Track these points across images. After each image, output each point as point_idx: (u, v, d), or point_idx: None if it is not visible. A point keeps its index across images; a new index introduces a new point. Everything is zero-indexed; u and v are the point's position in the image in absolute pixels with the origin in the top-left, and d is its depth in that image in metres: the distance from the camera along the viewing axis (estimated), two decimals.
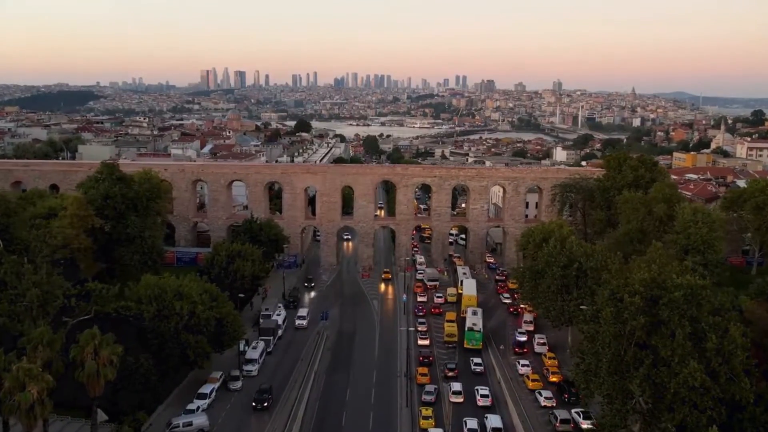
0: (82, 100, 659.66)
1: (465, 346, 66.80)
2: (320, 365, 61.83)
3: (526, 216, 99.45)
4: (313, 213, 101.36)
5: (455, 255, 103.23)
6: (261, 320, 69.44)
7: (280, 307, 75.31)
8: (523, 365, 60.93)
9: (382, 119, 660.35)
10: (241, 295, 67.12)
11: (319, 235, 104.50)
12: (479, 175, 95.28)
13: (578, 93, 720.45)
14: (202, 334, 52.74)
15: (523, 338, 68.41)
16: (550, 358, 62.63)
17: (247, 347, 62.36)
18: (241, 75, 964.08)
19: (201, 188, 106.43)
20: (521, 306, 78.18)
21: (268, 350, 63.52)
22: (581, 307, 58.76)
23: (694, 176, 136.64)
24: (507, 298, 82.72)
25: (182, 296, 53.10)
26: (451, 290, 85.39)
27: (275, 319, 68.48)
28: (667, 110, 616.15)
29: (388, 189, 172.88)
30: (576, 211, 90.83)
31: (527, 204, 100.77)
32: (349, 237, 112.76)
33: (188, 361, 52.43)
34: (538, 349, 65.89)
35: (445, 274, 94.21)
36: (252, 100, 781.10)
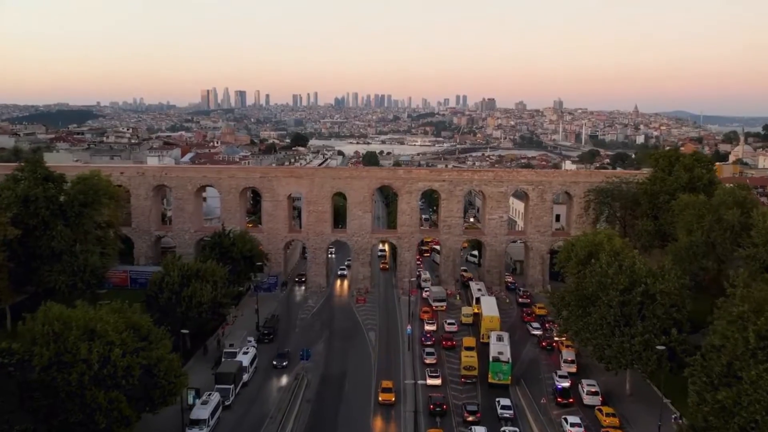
0: (81, 120, 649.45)
1: (489, 381, 52.18)
2: (296, 426, 45.43)
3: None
4: (301, 226, 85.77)
5: (464, 269, 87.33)
6: (223, 359, 53.25)
7: (250, 341, 59.08)
8: (572, 425, 44.50)
9: (383, 137, 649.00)
10: (185, 332, 50.74)
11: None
12: (497, 179, 79.79)
13: (579, 111, 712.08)
14: (119, 388, 36.66)
15: (566, 383, 52.08)
16: (608, 414, 46.18)
17: (197, 399, 46.10)
18: (241, 95, 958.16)
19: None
20: (556, 339, 62.03)
21: (227, 403, 47.12)
22: (658, 347, 43.19)
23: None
24: (536, 328, 66.50)
25: (94, 335, 37.19)
26: (466, 309, 70.02)
27: (239, 360, 52.17)
28: (670, 127, 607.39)
29: (389, 202, 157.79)
30: (615, 222, 75.20)
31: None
32: (346, 271, 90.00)
33: (98, 429, 36.19)
34: (588, 399, 49.48)
35: (458, 297, 78.13)
36: (252, 120, 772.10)
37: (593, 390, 50.12)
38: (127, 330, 38.86)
